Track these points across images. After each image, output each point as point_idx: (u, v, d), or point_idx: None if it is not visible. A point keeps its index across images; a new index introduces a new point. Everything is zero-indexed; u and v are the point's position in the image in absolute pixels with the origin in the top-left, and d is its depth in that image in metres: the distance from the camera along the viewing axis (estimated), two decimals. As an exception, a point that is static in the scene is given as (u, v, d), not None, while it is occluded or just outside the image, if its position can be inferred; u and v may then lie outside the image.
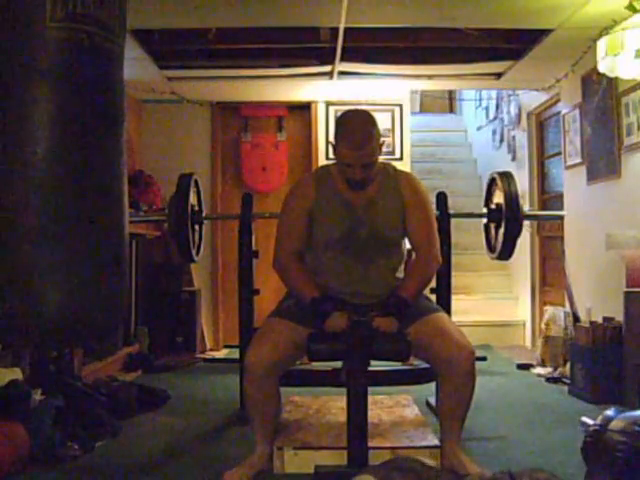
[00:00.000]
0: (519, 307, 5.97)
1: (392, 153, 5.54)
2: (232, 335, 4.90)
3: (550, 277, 5.48)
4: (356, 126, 2.46)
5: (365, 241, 2.53)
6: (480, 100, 7.20)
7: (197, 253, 3.81)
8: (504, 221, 3.58)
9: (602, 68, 3.24)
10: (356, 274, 2.54)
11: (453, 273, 3.42)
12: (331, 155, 5.24)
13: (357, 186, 2.52)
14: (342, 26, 3.83)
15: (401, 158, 5.54)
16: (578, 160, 4.50)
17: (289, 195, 2.66)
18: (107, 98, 1.92)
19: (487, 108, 6.93)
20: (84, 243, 1.86)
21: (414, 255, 2.64)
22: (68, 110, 1.83)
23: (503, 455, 2.74)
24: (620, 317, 3.63)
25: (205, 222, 3.92)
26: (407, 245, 2.68)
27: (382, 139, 2.53)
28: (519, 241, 3.67)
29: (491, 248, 3.82)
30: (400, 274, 2.63)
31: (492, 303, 6.00)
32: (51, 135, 1.81)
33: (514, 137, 6.01)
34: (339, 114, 2.73)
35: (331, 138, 2.63)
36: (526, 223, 4.49)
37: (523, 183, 5.44)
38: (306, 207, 2.56)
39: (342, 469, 2.29)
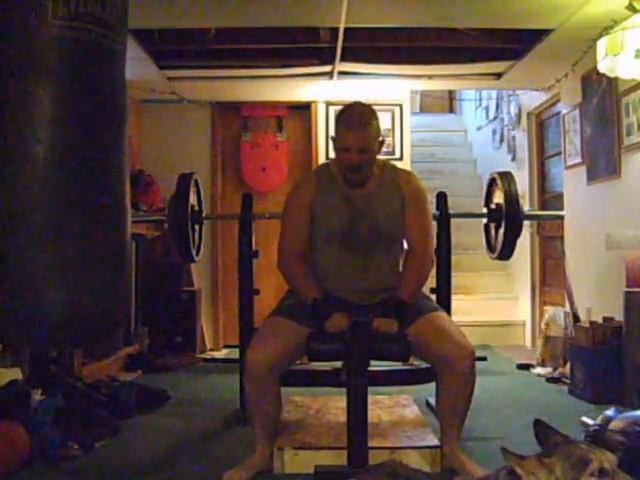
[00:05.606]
0: (519, 307, 5.96)
1: (392, 153, 5.52)
2: (232, 335, 4.90)
3: (550, 277, 5.47)
4: (355, 111, 2.52)
5: (365, 235, 2.53)
6: (480, 100, 7.20)
7: (197, 253, 3.81)
8: (504, 221, 3.58)
9: (602, 68, 3.24)
10: (356, 268, 2.55)
11: (453, 273, 3.41)
12: (331, 155, 5.32)
13: (354, 178, 2.51)
14: (342, 26, 3.83)
15: (401, 158, 5.53)
16: (578, 160, 4.50)
17: (290, 194, 2.67)
18: (109, 97, 1.92)
19: (487, 108, 6.93)
20: (86, 243, 1.86)
21: (409, 254, 2.63)
22: (70, 108, 1.83)
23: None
24: (620, 317, 3.63)
25: (205, 222, 3.92)
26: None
27: (382, 138, 2.54)
28: (519, 241, 3.67)
29: (491, 248, 3.82)
30: (400, 269, 2.63)
31: (492, 303, 6.00)
32: (53, 134, 1.81)
33: (514, 137, 6.01)
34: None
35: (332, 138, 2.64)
36: (526, 223, 4.50)
37: (523, 183, 5.43)
38: (307, 204, 2.56)
39: (342, 469, 2.30)
